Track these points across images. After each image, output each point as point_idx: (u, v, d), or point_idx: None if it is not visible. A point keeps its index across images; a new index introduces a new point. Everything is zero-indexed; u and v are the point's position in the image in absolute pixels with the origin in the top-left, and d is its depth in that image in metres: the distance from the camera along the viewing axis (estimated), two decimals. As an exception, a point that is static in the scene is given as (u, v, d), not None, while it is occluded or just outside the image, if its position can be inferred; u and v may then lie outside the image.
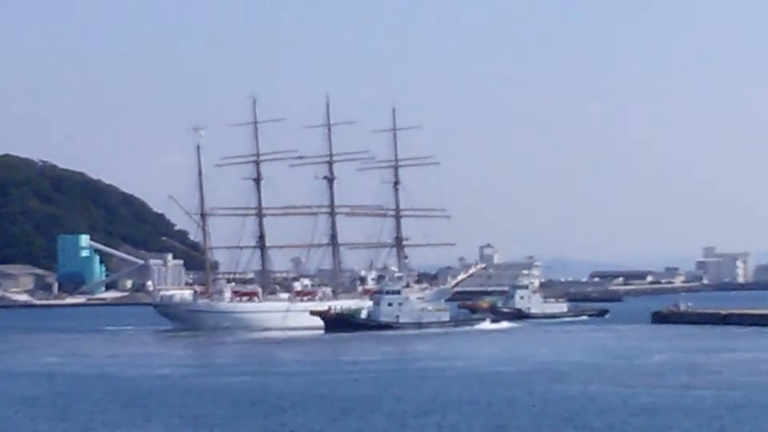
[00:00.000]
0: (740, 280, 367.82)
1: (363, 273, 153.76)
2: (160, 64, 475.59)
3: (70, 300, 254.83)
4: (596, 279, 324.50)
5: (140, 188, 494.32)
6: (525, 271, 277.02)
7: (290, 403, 54.65)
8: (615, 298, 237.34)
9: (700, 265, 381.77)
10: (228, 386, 64.15)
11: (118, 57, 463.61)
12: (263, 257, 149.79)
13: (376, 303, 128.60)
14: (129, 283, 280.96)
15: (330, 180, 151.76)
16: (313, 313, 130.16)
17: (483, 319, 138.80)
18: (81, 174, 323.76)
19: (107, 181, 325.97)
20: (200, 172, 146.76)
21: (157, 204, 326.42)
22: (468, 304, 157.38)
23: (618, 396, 56.12)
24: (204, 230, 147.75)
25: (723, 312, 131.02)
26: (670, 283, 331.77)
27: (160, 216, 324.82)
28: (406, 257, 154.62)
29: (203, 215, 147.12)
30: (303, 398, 56.76)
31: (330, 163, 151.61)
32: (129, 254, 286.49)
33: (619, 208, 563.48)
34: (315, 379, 67.58)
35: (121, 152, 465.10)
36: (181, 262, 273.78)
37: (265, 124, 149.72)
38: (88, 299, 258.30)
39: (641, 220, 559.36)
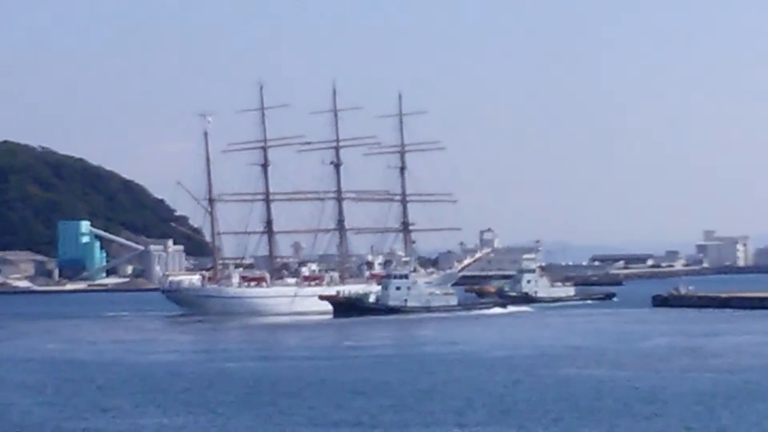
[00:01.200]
0: (740, 263, 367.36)
1: (370, 258, 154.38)
2: (164, 50, 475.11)
3: (70, 286, 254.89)
4: (596, 263, 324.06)
5: (140, 174, 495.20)
6: (526, 255, 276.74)
7: (296, 389, 54.70)
8: (615, 281, 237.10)
9: (701, 248, 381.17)
10: (234, 372, 64.22)
11: (120, 43, 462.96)
12: (270, 242, 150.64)
13: (385, 287, 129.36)
14: (129, 269, 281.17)
15: (337, 165, 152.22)
16: (322, 297, 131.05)
17: (490, 304, 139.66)
18: (81, 160, 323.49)
19: (107, 167, 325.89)
20: (208, 158, 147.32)
21: (157, 190, 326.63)
22: (475, 289, 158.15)
23: (620, 380, 56.24)
24: (212, 216, 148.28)
25: (724, 295, 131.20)
26: (670, 266, 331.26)
27: (161, 202, 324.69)
28: (413, 242, 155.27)
29: (211, 201, 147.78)
30: (309, 383, 56.79)
31: (337, 149, 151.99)
32: (129, 240, 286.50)
33: (619, 192, 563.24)
34: (321, 364, 67.71)
35: (121, 138, 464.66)
36: (182, 247, 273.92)
37: (272, 110, 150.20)
38: (89, 285, 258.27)
39: (641, 204, 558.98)
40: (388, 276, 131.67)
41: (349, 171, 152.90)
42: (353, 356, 73.41)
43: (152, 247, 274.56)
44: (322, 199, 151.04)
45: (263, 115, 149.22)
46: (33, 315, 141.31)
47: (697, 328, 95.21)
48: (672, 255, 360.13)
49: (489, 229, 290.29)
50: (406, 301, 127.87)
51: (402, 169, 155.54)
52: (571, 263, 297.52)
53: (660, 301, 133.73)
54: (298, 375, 61.00)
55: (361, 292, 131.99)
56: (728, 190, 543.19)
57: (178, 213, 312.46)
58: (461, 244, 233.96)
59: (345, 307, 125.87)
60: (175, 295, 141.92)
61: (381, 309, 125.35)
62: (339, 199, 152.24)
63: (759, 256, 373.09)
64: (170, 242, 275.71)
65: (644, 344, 79.04)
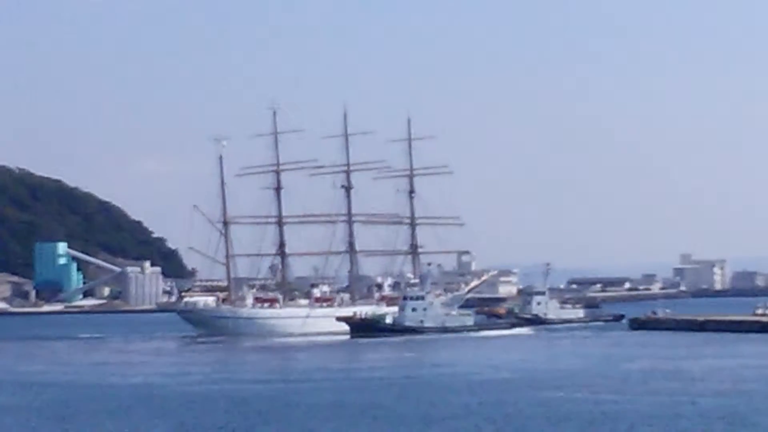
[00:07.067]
0: (717, 286, 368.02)
1: (379, 279, 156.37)
2: (173, 72, 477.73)
3: (47, 308, 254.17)
4: (574, 286, 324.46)
5: (118, 196, 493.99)
6: (503, 278, 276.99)
7: (302, 410, 54.39)
8: (592, 305, 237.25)
9: (678, 271, 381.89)
10: (240, 393, 63.89)
11: (116, 63, 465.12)
12: (283, 265, 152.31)
13: (401, 308, 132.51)
14: (107, 291, 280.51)
15: (347, 189, 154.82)
16: (339, 318, 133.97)
17: (505, 324, 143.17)
18: (58, 181, 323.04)
19: (84, 189, 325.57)
20: (222, 182, 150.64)
21: (135, 211, 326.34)
22: (485, 310, 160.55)
23: (600, 403, 56.40)
24: (227, 239, 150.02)
25: (701, 318, 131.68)
26: (647, 289, 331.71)
27: (138, 223, 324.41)
28: (429, 264, 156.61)
29: (225, 224, 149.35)
30: (317, 405, 56.49)
31: (347, 173, 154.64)
32: (106, 262, 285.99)
33: (596, 215, 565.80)
34: (327, 386, 67.67)
35: (98, 159, 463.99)
36: (159, 269, 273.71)
37: (285, 135, 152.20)
38: (66, 307, 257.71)
39: (619, 228, 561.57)
40: (405, 297, 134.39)
41: (359, 194, 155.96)
42: (359, 378, 73.78)
43: (129, 268, 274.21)
44: (333, 222, 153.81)
45: (276, 139, 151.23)
46: (10, 337, 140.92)
47: (677, 352, 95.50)
48: (649, 278, 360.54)
49: (467, 252, 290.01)
50: (422, 321, 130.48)
51: (411, 192, 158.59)
52: (548, 287, 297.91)
53: (638, 325, 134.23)
54: (306, 398, 60.70)
55: (378, 312, 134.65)
56: (705, 213, 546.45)
57: (155, 235, 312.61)
58: (439, 266, 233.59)
59: (362, 327, 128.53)
60: (190, 315, 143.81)
61: (398, 329, 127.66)
62: (349, 222, 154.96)
63: (736, 280, 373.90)
64: (147, 264, 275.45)
65: (625, 367, 79.41)
